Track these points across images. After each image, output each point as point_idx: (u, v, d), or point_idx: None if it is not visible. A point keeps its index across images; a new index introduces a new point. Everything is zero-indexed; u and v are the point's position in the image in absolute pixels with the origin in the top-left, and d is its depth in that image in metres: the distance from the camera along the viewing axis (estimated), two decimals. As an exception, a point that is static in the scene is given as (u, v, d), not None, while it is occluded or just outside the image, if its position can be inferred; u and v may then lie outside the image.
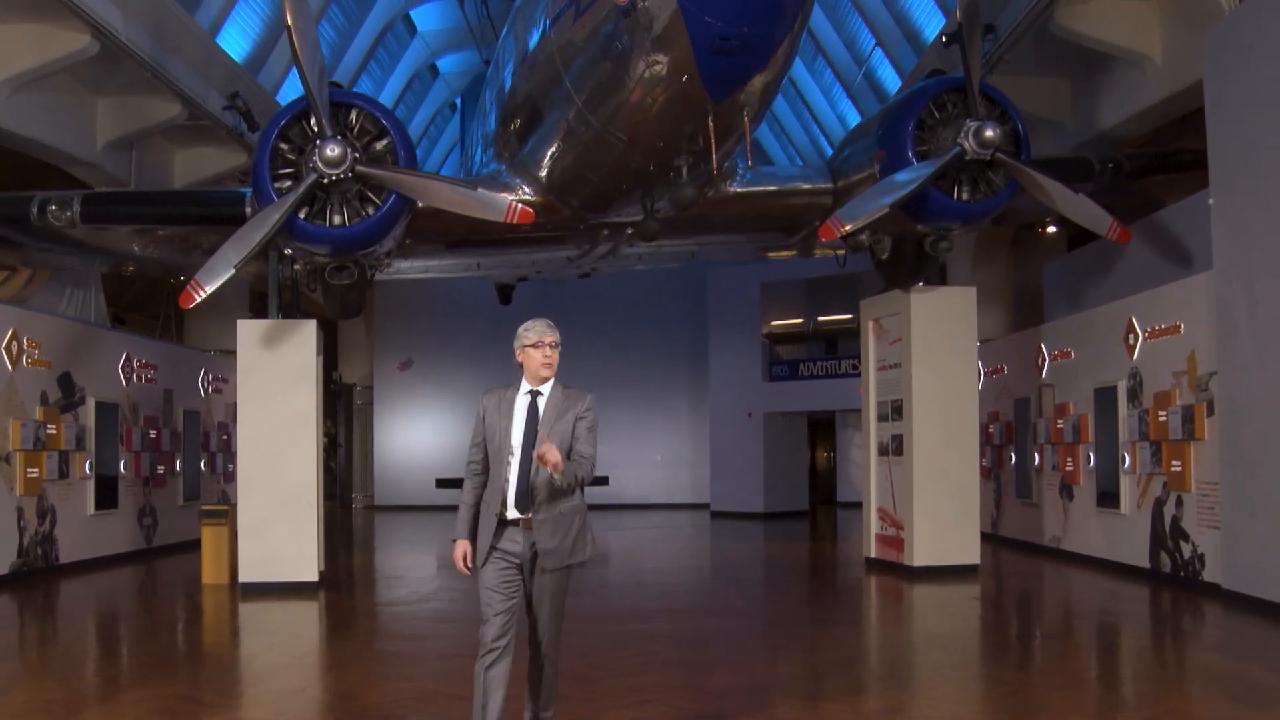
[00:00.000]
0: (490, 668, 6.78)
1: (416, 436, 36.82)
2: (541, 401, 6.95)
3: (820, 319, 33.42)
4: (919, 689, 9.89)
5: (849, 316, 31.23)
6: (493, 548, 6.86)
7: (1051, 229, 24.71)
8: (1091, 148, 18.38)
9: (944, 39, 17.12)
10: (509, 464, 6.87)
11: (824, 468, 37.78)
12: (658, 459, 36.93)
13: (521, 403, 6.96)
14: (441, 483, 30.54)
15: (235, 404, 23.40)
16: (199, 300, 13.96)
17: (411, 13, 28.02)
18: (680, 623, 13.90)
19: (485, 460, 7.00)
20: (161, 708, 8.91)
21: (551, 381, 7.01)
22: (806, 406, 32.65)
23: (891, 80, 23.79)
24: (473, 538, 6.97)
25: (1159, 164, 17.55)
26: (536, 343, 6.96)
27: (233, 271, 13.69)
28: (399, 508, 35.88)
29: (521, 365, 7.03)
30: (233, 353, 22.69)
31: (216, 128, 20.35)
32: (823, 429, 36.67)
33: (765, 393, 32.78)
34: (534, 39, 14.01)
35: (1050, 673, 10.68)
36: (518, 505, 6.83)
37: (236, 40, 20.97)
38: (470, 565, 6.92)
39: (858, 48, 25.31)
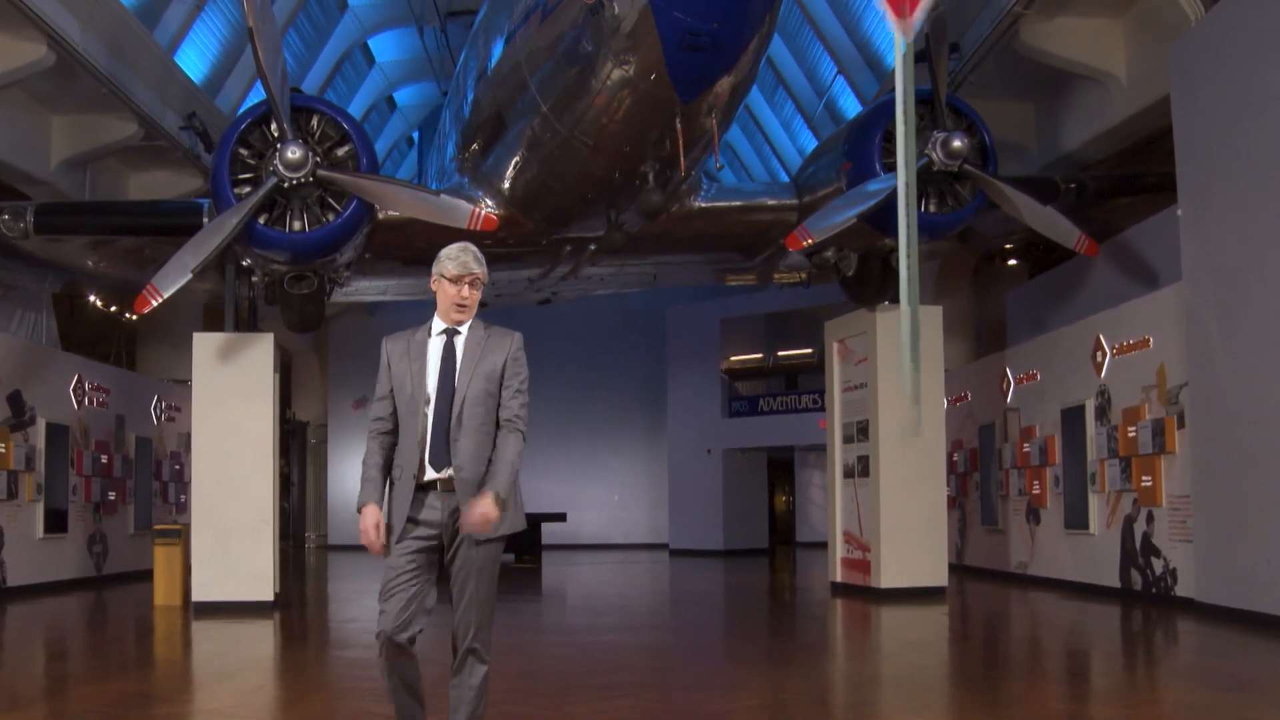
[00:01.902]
0: (393, 670, 5.70)
1: (371, 475, 36.15)
2: (460, 341, 5.75)
3: (780, 354, 33.33)
4: (895, 687, 9.68)
5: (809, 351, 31.21)
6: (409, 520, 5.66)
7: (1012, 261, 24.77)
8: (1055, 170, 18.34)
9: (909, 59, 17.05)
10: (425, 415, 5.67)
11: (782, 510, 37.52)
12: (615, 499, 36.61)
13: (436, 344, 5.76)
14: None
15: (188, 433, 23.09)
16: (155, 305, 13.58)
17: (370, 42, 27.80)
18: (647, 636, 13.71)
19: (395, 416, 5.78)
20: (112, 702, 8.53)
21: (470, 320, 5.82)
22: (767, 442, 32.48)
23: (853, 109, 23.70)
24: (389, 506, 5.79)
25: (1124, 186, 17.54)
26: (456, 277, 5.69)
27: (190, 275, 13.40)
28: (353, 547, 35.34)
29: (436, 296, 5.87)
30: (184, 382, 22.40)
31: (172, 149, 20.05)
32: (780, 471, 36.35)
33: (725, 429, 32.59)
34: (497, 49, 13.88)
35: (1032, 671, 10.51)
36: (434, 463, 5.64)
37: (194, 61, 20.69)
38: (385, 540, 5.67)
39: (819, 78, 25.28)
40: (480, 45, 15.03)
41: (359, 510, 5.69)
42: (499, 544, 5.74)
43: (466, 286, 5.69)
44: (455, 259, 5.71)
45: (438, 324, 5.80)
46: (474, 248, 5.80)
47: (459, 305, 5.72)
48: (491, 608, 5.76)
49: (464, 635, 5.67)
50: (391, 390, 5.76)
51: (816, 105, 25.91)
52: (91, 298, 25.14)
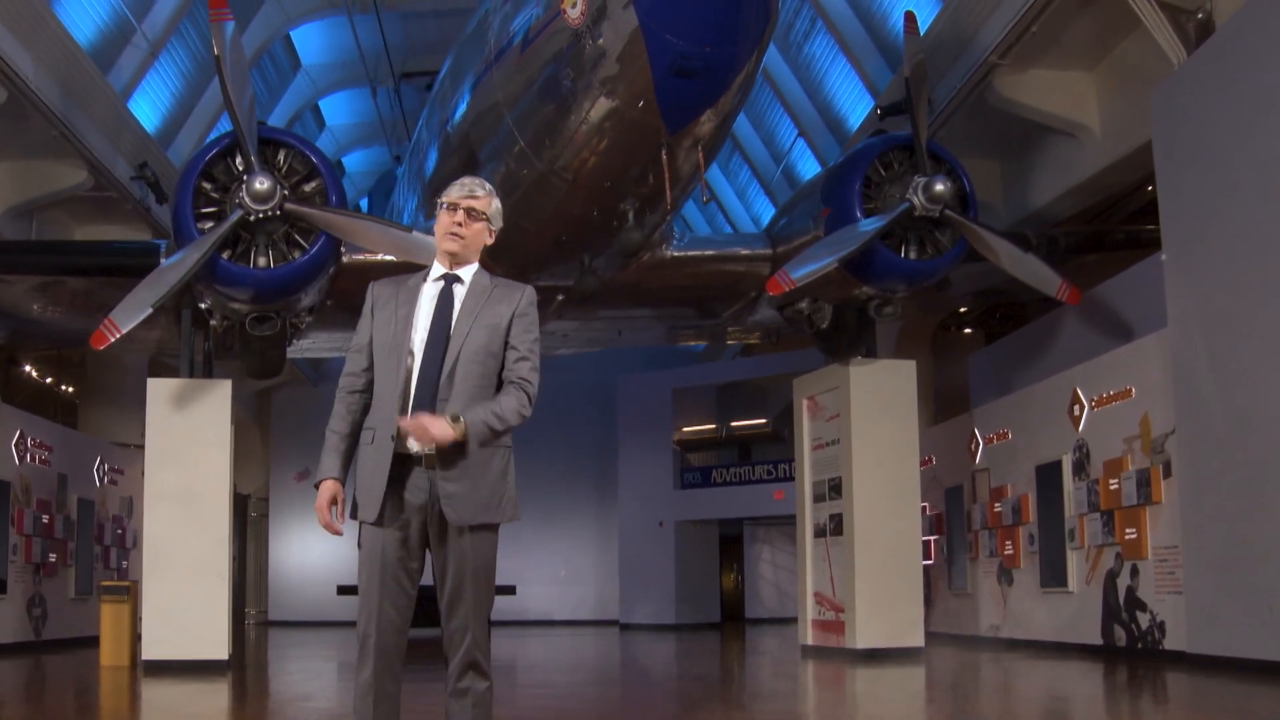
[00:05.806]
0: (379, 701, 4.82)
1: (314, 549, 35.10)
2: (460, 290, 4.97)
3: (734, 424, 32.95)
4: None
5: (763, 421, 30.88)
6: (389, 498, 4.82)
7: (968, 330, 24.66)
8: (1023, 228, 18.19)
9: (879, 111, 16.93)
10: (407, 366, 4.85)
11: (730, 587, 36.88)
12: (562, 574, 35.91)
13: (431, 289, 4.97)
14: (343, 590, 28.93)
15: (130, 497, 22.37)
16: (113, 341, 12.98)
17: (320, 104, 27.46)
18: (627, 689, 13.32)
19: (370, 374, 4.98)
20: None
21: (475, 266, 5.05)
22: (720, 514, 31.93)
23: (813, 173, 23.56)
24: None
25: (1095, 241, 17.46)
26: (454, 202, 4.95)
27: (150, 310, 12.86)
28: (295, 623, 34.46)
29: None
30: (128, 446, 21.70)
31: (123, 200, 19.49)
32: (728, 546, 35.66)
33: (677, 501, 31.97)
34: (469, 88, 13.52)
35: (1049, 713, 10.08)
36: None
37: (146, 112, 20.22)
38: (342, 517, 4.91)
39: (776, 143, 25.18)
40: (448, 90, 14.66)
41: (316, 486, 4.93)
42: (493, 536, 4.92)
43: (462, 213, 4.93)
44: (459, 183, 5.01)
45: (436, 269, 5.02)
46: (481, 179, 5.09)
47: (449, 235, 4.94)
48: (489, 613, 4.97)
49: (460, 644, 4.86)
50: (371, 341, 4.97)
51: (773, 172, 25.76)
52: (28, 367, 24.47)
